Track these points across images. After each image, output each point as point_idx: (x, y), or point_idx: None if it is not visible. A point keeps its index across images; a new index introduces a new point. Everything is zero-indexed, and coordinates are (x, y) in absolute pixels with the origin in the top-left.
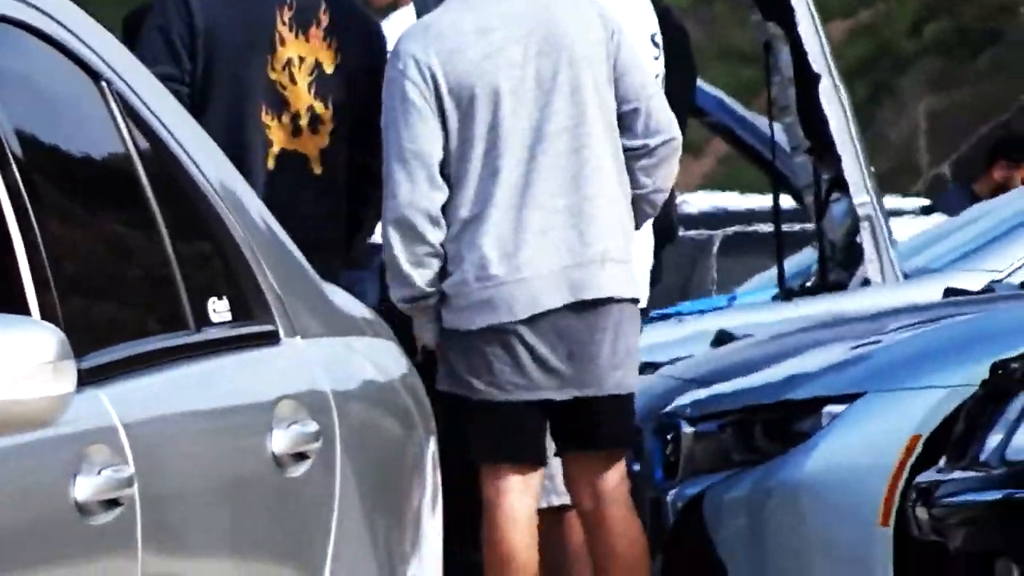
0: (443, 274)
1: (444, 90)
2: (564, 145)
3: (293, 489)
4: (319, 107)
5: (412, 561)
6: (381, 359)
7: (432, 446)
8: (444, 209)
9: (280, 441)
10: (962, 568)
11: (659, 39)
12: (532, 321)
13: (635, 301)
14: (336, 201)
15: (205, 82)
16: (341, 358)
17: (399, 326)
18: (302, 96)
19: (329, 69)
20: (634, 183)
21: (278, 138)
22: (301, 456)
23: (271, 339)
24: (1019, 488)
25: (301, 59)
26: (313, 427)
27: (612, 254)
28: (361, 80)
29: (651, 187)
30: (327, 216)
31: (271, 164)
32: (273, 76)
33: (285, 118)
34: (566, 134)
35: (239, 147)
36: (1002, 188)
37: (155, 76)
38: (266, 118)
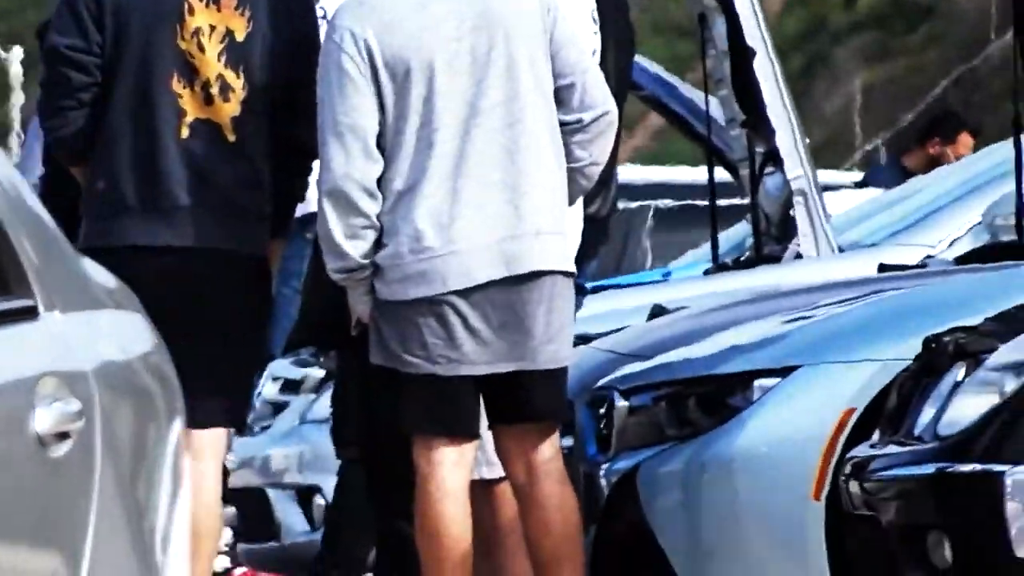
0: (378, 246)
1: (380, 63)
2: (499, 119)
3: (55, 469)
4: (230, 76)
5: (164, 546)
6: (129, 335)
7: (177, 427)
8: (379, 182)
9: (43, 419)
10: (894, 542)
11: (596, 15)
12: (466, 293)
13: (569, 274)
14: (253, 169)
15: (115, 53)
16: (99, 333)
17: (335, 298)
18: (211, 64)
19: (240, 37)
20: (569, 157)
21: (191, 107)
22: (63, 435)
23: (30, 314)
24: (951, 462)
25: (212, 28)
26: (76, 405)
27: (546, 227)
28: (282, 49)
29: (586, 161)
30: (244, 184)
31: (185, 133)
32: (183, 45)
33: (196, 87)
34: (501, 108)
35: (151, 116)
36: (935, 163)
37: (63, 48)
38: (177, 87)
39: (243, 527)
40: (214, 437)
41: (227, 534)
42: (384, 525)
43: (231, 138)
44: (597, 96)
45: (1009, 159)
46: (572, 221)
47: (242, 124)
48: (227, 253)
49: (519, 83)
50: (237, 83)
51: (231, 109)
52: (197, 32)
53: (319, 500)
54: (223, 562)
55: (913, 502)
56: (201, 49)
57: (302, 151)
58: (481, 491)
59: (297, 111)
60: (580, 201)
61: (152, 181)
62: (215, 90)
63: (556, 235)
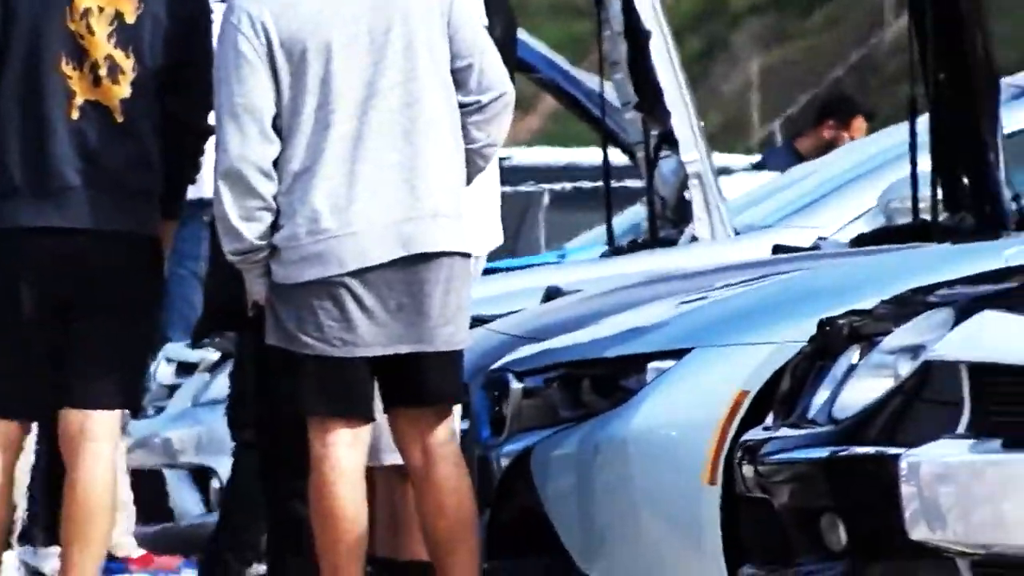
0: (275, 228)
1: (276, 44)
2: (397, 100)
3: None
4: (119, 57)
5: None
6: None
7: None
8: (276, 163)
9: None
10: (788, 524)
11: None
12: (362, 274)
13: (466, 256)
14: (142, 150)
15: (3, 35)
16: None
17: (233, 280)
18: (100, 46)
19: (130, 19)
20: (467, 138)
21: (80, 89)
22: None
23: None
24: (845, 445)
25: (100, 9)
26: None
27: (443, 209)
28: (171, 30)
29: (484, 142)
30: (134, 165)
31: (75, 115)
32: (72, 27)
33: (85, 68)
34: (399, 89)
35: (40, 98)
36: (830, 146)
37: None
38: (66, 68)
39: (139, 508)
40: (108, 419)
41: (126, 517)
42: (278, 507)
43: (120, 119)
44: (495, 77)
45: (903, 142)
46: (469, 202)
47: (131, 105)
48: (118, 234)
49: (417, 64)
50: (127, 64)
51: (120, 91)
52: (86, 13)
53: (215, 482)
54: (126, 546)
55: (807, 485)
56: (90, 30)
57: (193, 132)
58: (388, 476)
59: (187, 92)
60: (479, 182)
61: (41, 163)
62: (103, 72)
63: (453, 216)
